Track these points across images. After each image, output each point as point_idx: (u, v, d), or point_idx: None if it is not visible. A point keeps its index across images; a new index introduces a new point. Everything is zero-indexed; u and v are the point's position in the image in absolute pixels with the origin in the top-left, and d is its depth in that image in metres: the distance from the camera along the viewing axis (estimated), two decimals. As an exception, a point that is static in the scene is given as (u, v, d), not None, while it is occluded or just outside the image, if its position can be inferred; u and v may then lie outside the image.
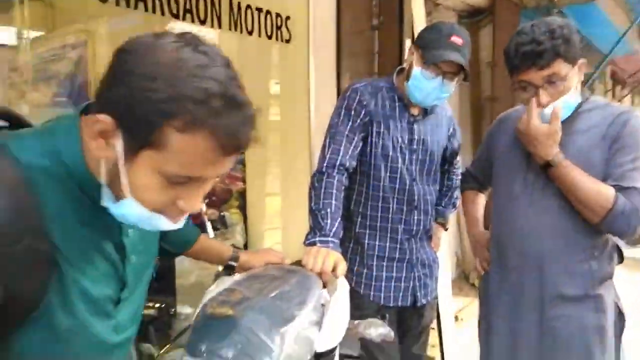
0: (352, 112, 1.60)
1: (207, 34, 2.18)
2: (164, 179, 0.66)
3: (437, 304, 2.46)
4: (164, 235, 1.00)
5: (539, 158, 1.36)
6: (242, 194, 3.16)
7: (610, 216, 1.28)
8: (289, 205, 2.93)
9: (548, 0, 4.43)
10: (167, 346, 1.01)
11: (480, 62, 4.45)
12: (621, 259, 1.42)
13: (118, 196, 0.69)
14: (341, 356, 1.16)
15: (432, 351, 2.65)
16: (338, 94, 2.66)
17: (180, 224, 0.74)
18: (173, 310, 2.30)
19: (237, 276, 1.16)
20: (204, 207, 2.85)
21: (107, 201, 0.70)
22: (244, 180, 3.13)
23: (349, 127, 1.58)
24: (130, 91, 0.62)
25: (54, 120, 0.75)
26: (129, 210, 0.69)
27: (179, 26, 1.99)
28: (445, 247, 2.55)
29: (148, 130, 0.63)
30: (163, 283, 2.45)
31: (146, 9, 1.81)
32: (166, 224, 0.71)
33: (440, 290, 2.54)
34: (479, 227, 1.72)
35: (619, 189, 1.29)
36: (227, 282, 1.13)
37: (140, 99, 0.62)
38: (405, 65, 1.65)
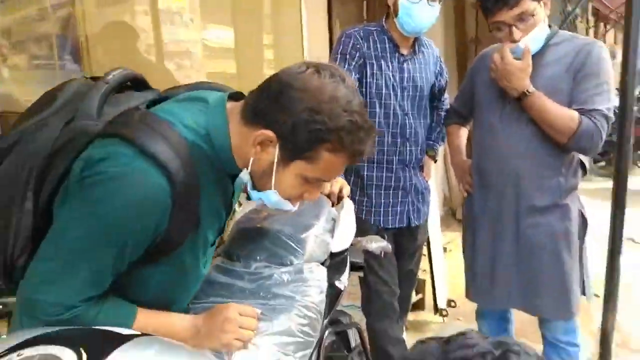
0: (348, 56, 1.76)
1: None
2: (303, 180, 0.88)
3: (428, 231, 2.72)
4: None
5: (513, 90, 1.54)
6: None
7: (576, 136, 1.49)
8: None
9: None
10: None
11: (465, 2, 4.52)
12: (584, 172, 1.65)
13: (258, 185, 0.91)
14: (350, 263, 1.39)
15: (423, 274, 2.94)
16: (330, 39, 2.78)
17: (297, 207, 0.96)
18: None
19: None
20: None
21: (250, 188, 0.91)
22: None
23: (345, 69, 1.74)
24: (297, 120, 0.82)
25: (204, 100, 0.90)
26: (270, 198, 0.91)
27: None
28: (434, 183, 2.77)
29: (306, 149, 0.84)
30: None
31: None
32: (290, 207, 0.94)
33: (430, 220, 2.79)
34: (462, 156, 1.93)
35: (583, 111, 1.49)
36: (252, 204, 1.34)
37: (304, 128, 0.82)
38: (390, 7, 1.79)
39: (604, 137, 1.52)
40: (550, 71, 1.55)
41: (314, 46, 2.72)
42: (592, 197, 2.29)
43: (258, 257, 1.13)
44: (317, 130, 0.82)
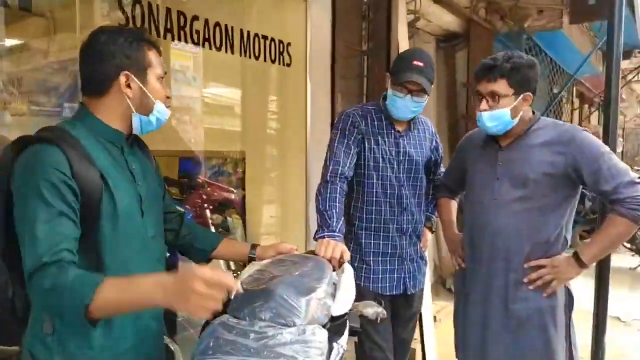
0: (347, 132, 1.91)
1: (221, 57, 2.46)
2: (159, 80, 1.24)
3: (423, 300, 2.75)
4: (193, 242, 1.45)
5: (570, 277, 1.69)
6: (242, 202, 3.43)
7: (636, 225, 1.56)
8: (285, 211, 3.19)
9: (519, 27, 4.83)
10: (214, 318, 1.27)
11: (456, 82, 4.82)
12: (566, 244, 1.73)
13: (147, 112, 1.23)
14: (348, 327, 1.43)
15: (414, 343, 2.94)
16: (332, 112, 2.96)
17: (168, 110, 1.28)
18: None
19: (264, 262, 1.44)
20: (208, 213, 3.09)
21: (137, 121, 1.22)
22: (243, 188, 3.40)
23: (345, 144, 1.89)
24: (124, 52, 1.18)
25: (75, 116, 1.26)
26: (159, 108, 1.24)
27: (197, 51, 2.27)
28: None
29: (142, 60, 1.20)
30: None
31: (173, 38, 2.08)
32: (167, 111, 1.27)
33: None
34: (454, 229, 2.02)
35: (618, 202, 1.55)
36: (256, 265, 1.41)
37: (131, 51, 1.19)
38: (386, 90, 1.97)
39: None
40: (537, 153, 1.68)
41: (316, 116, 2.89)
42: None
43: (263, 317, 1.18)
44: (136, 45, 1.20)
